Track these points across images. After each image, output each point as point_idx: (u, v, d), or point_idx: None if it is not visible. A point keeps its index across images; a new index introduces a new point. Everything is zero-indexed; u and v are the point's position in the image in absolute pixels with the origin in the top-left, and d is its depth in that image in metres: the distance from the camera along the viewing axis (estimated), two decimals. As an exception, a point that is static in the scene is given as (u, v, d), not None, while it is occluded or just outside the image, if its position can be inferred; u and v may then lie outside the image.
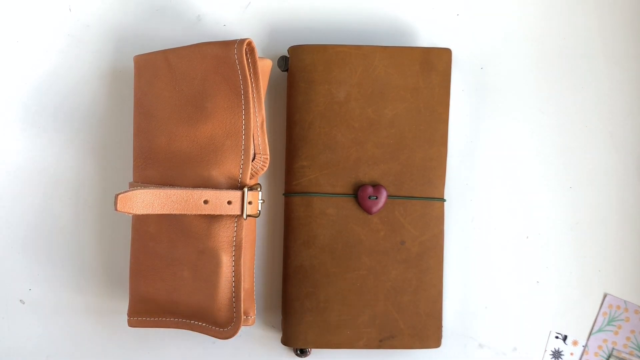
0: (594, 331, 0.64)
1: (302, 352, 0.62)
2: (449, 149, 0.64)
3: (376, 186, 0.60)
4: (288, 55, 0.62)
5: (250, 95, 0.57)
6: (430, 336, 0.61)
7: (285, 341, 0.61)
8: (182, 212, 0.56)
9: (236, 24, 0.65)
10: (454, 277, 0.65)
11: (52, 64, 0.65)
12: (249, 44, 0.57)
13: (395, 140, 0.61)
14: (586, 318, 0.65)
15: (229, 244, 0.57)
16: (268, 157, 0.59)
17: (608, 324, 0.64)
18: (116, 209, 0.54)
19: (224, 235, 0.57)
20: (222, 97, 0.57)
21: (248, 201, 0.57)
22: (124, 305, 0.64)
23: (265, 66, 0.60)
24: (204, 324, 0.58)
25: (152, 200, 0.56)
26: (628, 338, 0.64)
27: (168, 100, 0.59)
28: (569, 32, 0.66)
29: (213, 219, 0.58)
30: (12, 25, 0.65)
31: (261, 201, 0.58)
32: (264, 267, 0.64)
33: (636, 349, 0.64)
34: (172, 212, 0.56)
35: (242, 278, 0.57)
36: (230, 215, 0.58)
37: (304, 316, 0.60)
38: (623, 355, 0.64)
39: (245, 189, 0.57)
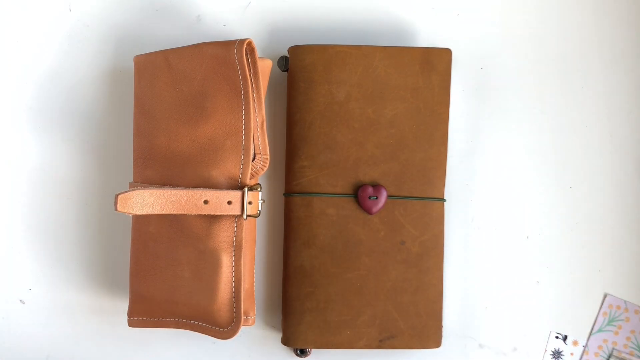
0: (594, 331, 0.64)
1: (302, 352, 0.62)
2: (449, 149, 0.64)
3: (376, 186, 0.60)
4: (288, 55, 0.62)
5: (250, 95, 0.57)
6: (430, 336, 0.61)
7: (285, 341, 0.61)
8: (182, 212, 0.56)
9: (236, 24, 0.65)
10: (454, 277, 0.65)
11: (52, 64, 0.65)
12: (249, 44, 0.57)
13: (395, 140, 0.61)
14: (586, 318, 0.65)
15: (229, 244, 0.57)
16: (268, 157, 0.59)
17: (608, 324, 0.64)
18: (116, 209, 0.54)
19: (224, 235, 0.57)
20: (222, 97, 0.57)
21: (248, 201, 0.57)
22: (124, 305, 0.64)
23: (265, 66, 0.60)
24: (204, 324, 0.58)
25: (152, 201, 0.56)
26: (628, 338, 0.64)
27: (168, 100, 0.59)
28: (569, 32, 0.66)
29: (213, 219, 0.58)
30: (12, 25, 0.65)
31: (261, 201, 0.58)
32: (264, 267, 0.64)
33: (636, 349, 0.64)
34: (172, 212, 0.56)
35: (242, 278, 0.57)
36: (230, 216, 0.58)
37: (304, 316, 0.60)
38: (623, 355, 0.64)
39: (246, 189, 0.57)
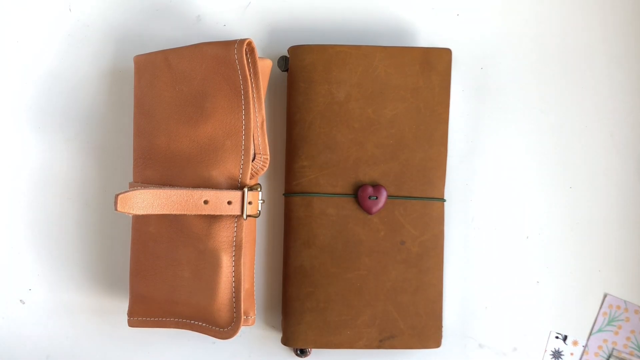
0: (594, 331, 0.64)
1: (302, 352, 0.62)
2: (449, 149, 0.64)
3: (376, 186, 0.60)
4: (288, 55, 0.62)
5: (250, 95, 0.57)
6: (430, 336, 0.61)
7: (285, 341, 0.61)
8: (182, 212, 0.56)
9: (236, 24, 0.65)
10: (454, 277, 0.65)
11: (52, 64, 0.65)
12: (249, 44, 0.57)
13: (395, 140, 0.61)
14: (586, 318, 0.65)
15: (229, 244, 0.57)
16: (268, 157, 0.59)
17: (608, 324, 0.64)
18: (116, 209, 0.54)
19: (224, 235, 0.57)
20: (222, 97, 0.57)
21: (248, 201, 0.57)
22: (124, 305, 0.64)
23: (265, 66, 0.60)
24: (204, 324, 0.58)
25: (152, 201, 0.56)
26: (628, 338, 0.64)
27: (168, 100, 0.59)
28: (569, 32, 0.66)
29: (213, 219, 0.58)
30: (12, 25, 0.65)
31: (261, 201, 0.58)
32: (264, 267, 0.64)
33: (636, 349, 0.64)
34: (172, 212, 0.56)
35: (242, 278, 0.57)
36: (230, 216, 0.58)
37: (304, 316, 0.60)
38: (623, 355, 0.64)
39: (246, 189, 0.57)
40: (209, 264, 0.57)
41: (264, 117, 0.59)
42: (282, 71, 0.63)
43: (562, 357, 0.64)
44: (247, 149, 0.57)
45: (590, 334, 0.65)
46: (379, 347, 0.61)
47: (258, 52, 0.61)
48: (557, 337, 0.65)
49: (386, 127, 0.61)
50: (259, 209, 0.58)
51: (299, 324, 0.61)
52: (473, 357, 0.65)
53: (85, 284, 0.64)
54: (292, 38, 0.65)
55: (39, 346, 0.64)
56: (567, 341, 0.64)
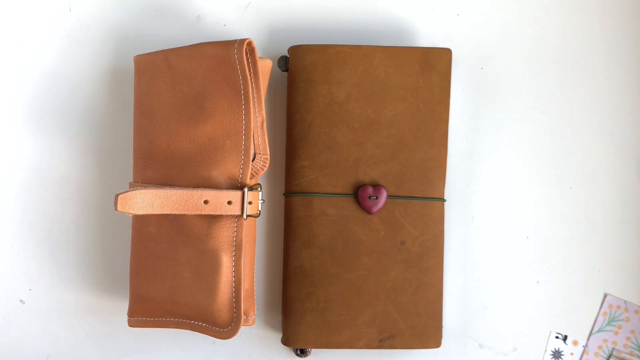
0: (594, 331, 0.64)
1: (302, 352, 0.62)
2: (449, 149, 0.64)
3: (376, 186, 0.60)
4: (288, 55, 0.62)
5: (250, 95, 0.57)
6: (430, 336, 0.61)
7: (285, 341, 0.61)
8: (182, 212, 0.56)
9: (236, 24, 0.65)
10: (454, 277, 0.65)
11: (52, 64, 0.65)
12: (249, 44, 0.57)
13: (395, 140, 0.61)
14: (586, 318, 0.65)
15: (229, 244, 0.57)
16: (268, 157, 0.59)
17: (608, 324, 0.64)
18: (116, 209, 0.54)
19: (224, 235, 0.57)
20: (222, 97, 0.57)
21: (248, 201, 0.57)
22: (124, 305, 0.64)
23: (265, 66, 0.60)
24: (204, 324, 0.58)
25: (152, 201, 0.56)
26: (628, 338, 0.64)
27: (168, 100, 0.59)
28: (569, 32, 0.66)
29: (213, 219, 0.58)
30: (12, 25, 0.65)
31: (261, 201, 0.58)
32: (264, 267, 0.64)
33: (636, 349, 0.64)
34: (172, 212, 0.56)
35: (242, 278, 0.57)
36: (230, 216, 0.58)
37: (304, 316, 0.60)
38: (623, 355, 0.64)
39: (246, 189, 0.57)
40: (209, 264, 0.57)
41: (264, 117, 0.59)
42: (282, 71, 0.63)
43: (562, 357, 0.64)
44: (247, 149, 0.57)
45: (590, 334, 0.65)
46: (379, 347, 0.61)
47: (258, 52, 0.61)
48: (557, 337, 0.65)
49: (386, 127, 0.61)
50: (259, 209, 0.58)
51: (299, 324, 0.61)
52: (473, 357, 0.65)
53: (85, 284, 0.64)
54: (292, 38, 0.65)
55: (39, 346, 0.64)
56: (567, 341, 0.64)
